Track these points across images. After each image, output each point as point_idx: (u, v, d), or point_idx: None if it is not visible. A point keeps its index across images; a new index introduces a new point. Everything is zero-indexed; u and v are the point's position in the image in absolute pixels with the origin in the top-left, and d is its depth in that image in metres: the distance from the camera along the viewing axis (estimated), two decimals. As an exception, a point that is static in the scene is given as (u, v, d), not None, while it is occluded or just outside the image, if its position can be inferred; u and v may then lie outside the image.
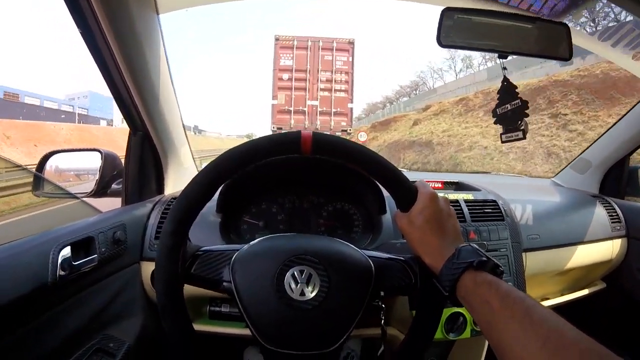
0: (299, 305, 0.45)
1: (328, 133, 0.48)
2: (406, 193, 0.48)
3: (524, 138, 0.74)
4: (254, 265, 0.47)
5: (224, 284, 0.47)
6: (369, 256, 0.50)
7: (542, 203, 0.99)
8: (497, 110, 0.77)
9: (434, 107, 16.33)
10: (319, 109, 9.56)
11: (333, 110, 9.57)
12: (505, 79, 0.76)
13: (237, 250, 0.49)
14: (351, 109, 9.91)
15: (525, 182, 1.33)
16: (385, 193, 0.78)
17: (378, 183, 0.50)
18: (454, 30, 0.72)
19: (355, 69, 9.75)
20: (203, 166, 0.46)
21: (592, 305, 1.13)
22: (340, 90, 9.63)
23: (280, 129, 9.20)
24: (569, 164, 1.26)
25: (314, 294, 0.45)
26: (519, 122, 0.74)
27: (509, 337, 0.34)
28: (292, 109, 9.44)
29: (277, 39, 9.51)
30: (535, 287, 0.95)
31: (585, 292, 1.06)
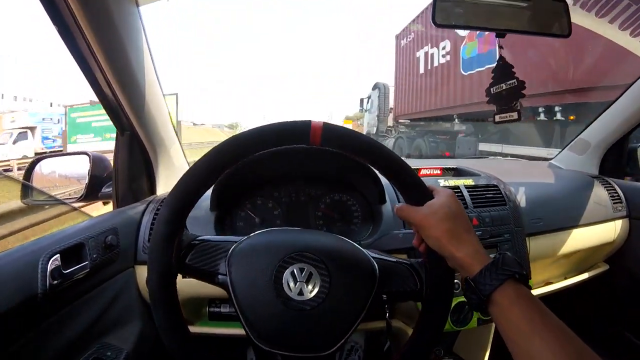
0: (297, 305, 0.42)
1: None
2: (420, 192, 0.46)
3: (519, 119, 0.72)
4: (252, 260, 0.45)
5: (219, 277, 0.45)
6: (372, 256, 0.48)
7: (542, 186, 0.97)
8: (492, 89, 0.75)
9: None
10: None
11: None
12: (501, 58, 0.74)
13: (236, 242, 0.47)
14: None
15: (522, 165, 1.31)
16: (384, 182, 0.76)
17: (381, 175, 0.47)
18: (450, 10, 0.69)
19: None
20: None
21: (596, 288, 1.12)
22: None
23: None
24: (567, 145, 1.25)
25: (313, 293, 0.43)
26: (514, 102, 0.72)
27: (547, 352, 0.35)
28: None
29: None
30: (539, 272, 0.94)
31: (588, 274, 1.06)
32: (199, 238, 0.48)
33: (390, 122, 9.64)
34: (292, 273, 0.43)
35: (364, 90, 10.70)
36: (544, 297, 0.96)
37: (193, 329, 0.80)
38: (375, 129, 9.74)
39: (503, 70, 0.74)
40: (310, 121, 0.42)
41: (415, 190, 0.46)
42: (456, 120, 6.81)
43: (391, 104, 9.45)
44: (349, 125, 12.80)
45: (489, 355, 0.86)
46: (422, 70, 7.78)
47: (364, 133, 9.85)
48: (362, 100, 10.66)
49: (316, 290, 0.43)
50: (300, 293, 0.43)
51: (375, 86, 9.86)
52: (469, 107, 6.05)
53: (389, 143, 8.70)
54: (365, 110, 10.64)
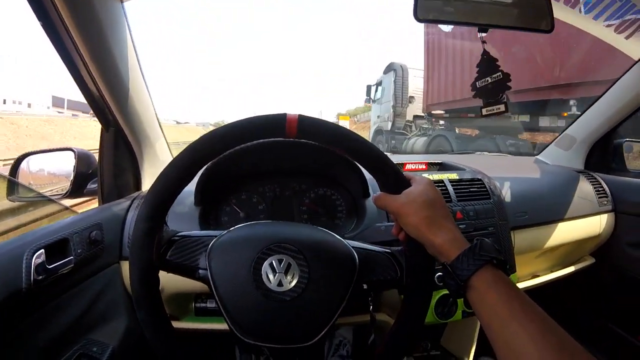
0: (277, 296, 0.43)
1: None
2: (397, 180, 0.46)
3: (507, 111, 0.73)
4: (231, 253, 0.45)
5: (200, 271, 0.45)
6: (353, 246, 0.48)
7: (528, 180, 0.98)
8: (477, 83, 0.76)
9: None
10: None
11: None
12: (485, 53, 0.74)
13: (215, 236, 0.47)
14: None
15: (509, 160, 1.32)
16: (368, 176, 0.77)
17: (362, 167, 0.47)
18: (431, 4, 0.70)
19: None
20: None
21: (582, 281, 1.13)
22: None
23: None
24: (553, 140, 1.26)
25: (292, 284, 0.43)
26: (500, 95, 0.73)
27: (525, 338, 0.34)
28: None
29: None
30: (525, 265, 0.95)
31: (574, 268, 1.07)
32: (179, 234, 0.48)
33: (409, 116, 7.33)
34: (271, 264, 0.44)
35: (365, 89, 8.49)
36: (531, 290, 0.97)
37: (180, 324, 0.80)
38: (389, 124, 7.42)
39: (488, 64, 0.75)
40: (285, 114, 0.43)
41: (392, 178, 0.46)
42: (573, 106, 3.74)
43: (410, 91, 7.16)
44: (346, 123, 11.10)
45: (476, 348, 0.87)
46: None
47: (372, 131, 8.10)
48: (369, 88, 8.21)
49: (295, 280, 0.43)
50: (280, 284, 0.43)
51: (390, 68, 7.30)
52: (593, 86, 3.14)
53: (419, 143, 6.42)
54: (373, 101, 8.29)
